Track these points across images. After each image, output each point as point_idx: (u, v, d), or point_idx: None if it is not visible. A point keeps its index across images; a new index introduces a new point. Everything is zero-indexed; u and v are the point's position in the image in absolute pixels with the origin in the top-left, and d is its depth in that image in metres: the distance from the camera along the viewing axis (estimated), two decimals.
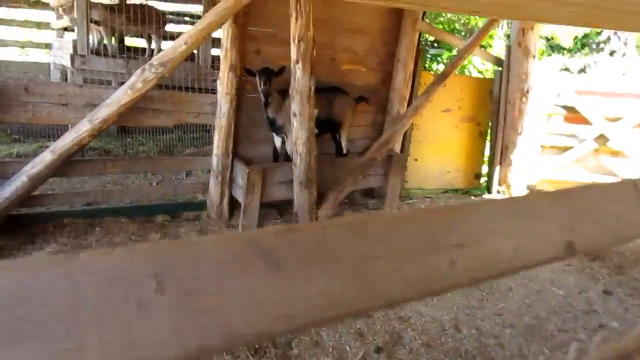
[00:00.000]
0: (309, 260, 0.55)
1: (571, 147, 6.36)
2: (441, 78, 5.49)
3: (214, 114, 4.56)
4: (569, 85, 6.29)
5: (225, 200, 4.71)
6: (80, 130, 3.88)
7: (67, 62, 6.77)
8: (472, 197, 6.39)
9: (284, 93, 4.57)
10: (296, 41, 4.24)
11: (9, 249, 3.74)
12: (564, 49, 10.99)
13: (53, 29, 8.78)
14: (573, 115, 6.25)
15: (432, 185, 6.51)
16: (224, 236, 0.54)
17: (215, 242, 0.54)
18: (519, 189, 6.43)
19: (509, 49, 6.27)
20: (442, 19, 9.21)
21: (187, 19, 9.11)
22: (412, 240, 0.61)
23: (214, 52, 7.39)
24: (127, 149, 6.56)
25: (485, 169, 6.94)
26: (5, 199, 3.82)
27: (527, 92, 6.15)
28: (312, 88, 4.38)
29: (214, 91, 4.66)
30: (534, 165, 6.45)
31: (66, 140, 3.89)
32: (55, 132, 5.24)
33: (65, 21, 7.54)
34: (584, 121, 6.19)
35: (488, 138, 6.80)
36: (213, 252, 0.52)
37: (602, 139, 6.13)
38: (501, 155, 6.42)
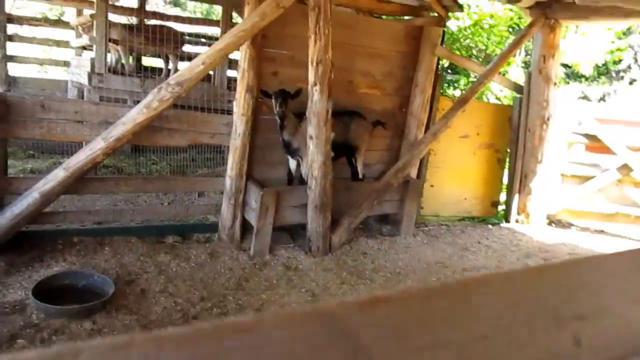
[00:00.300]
0: (405, 346, 0.41)
1: (593, 177, 6.19)
2: (460, 103, 5.39)
3: (229, 134, 4.48)
4: (590, 113, 6.16)
5: (238, 222, 4.60)
6: (94, 148, 3.82)
7: (84, 80, 6.80)
8: (489, 226, 6.21)
9: (301, 116, 4.50)
10: (314, 63, 4.19)
11: (17, 266, 3.65)
12: (582, 76, 10.88)
13: (72, 47, 8.89)
14: (595, 144, 6.11)
15: (449, 213, 6.35)
16: (288, 313, 0.40)
17: (277, 321, 0.39)
18: (538, 219, 6.25)
19: (529, 75, 6.18)
20: (459, 45, 9.18)
21: (203, 40, 9.18)
22: (526, 310, 0.48)
23: (230, 73, 7.40)
24: (140, 167, 6.50)
25: (503, 196, 6.77)
26: (16, 215, 3.75)
27: (548, 119, 6.03)
28: (330, 111, 4.31)
29: (229, 112, 4.60)
30: (554, 195, 6.28)
31: (79, 158, 3.83)
32: (70, 148, 5.20)
33: (85, 40, 7.62)
34: (607, 150, 6.03)
35: (506, 165, 6.64)
36: (274, 337, 0.38)
37: (625, 169, 5.96)
38: (520, 183, 6.26)
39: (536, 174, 6.13)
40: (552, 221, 6.47)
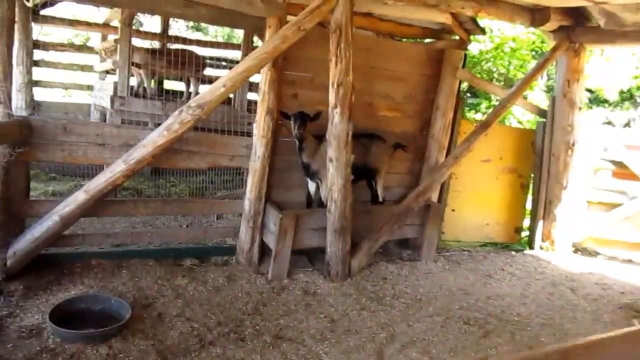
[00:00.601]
0: None
1: (620, 204, 6.01)
2: (483, 127, 5.31)
3: (249, 157, 4.46)
4: (617, 139, 6.02)
5: (256, 245, 4.54)
6: (115, 170, 3.82)
7: (107, 103, 6.91)
8: (513, 252, 6.04)
9: (321, 138, 4.46)
10: (335, 86, 4.17)
11: (35, 290, 3.62)
12: (605, 101, 10.70)
13: (96, 72, 9.08)
14: (622, 170, 5.95)
15: (470, 238, 6.20)
16: None
17: None
18: (563, 246, 6.06)
19: (553, 100, 6.08)
20: (479, 68, 9.14)
21: (224, 63, 9.30)
22: None
23: (250, 96, 7.46)
24: (159, 189, 6.52)
25: (526, 222, 6.60)
26: (36, 239, 3.74)
27: (573, 144, 5.89)
28: (350, 133, 4.27)
29: (249, 134, 4.59)
30: (579, 222, 6.09)
31: (100, 181, 3.83)
32: (91, 171, 5.24)
33: (108, 64, 7.78)
34: (634, 177, 5.86)
35: (530, 191, 6.49)
36: None
37: None
38: (544, 209, 6.10)
39: (561, 200, 5.97)
40: (578, 249, 6.27)
